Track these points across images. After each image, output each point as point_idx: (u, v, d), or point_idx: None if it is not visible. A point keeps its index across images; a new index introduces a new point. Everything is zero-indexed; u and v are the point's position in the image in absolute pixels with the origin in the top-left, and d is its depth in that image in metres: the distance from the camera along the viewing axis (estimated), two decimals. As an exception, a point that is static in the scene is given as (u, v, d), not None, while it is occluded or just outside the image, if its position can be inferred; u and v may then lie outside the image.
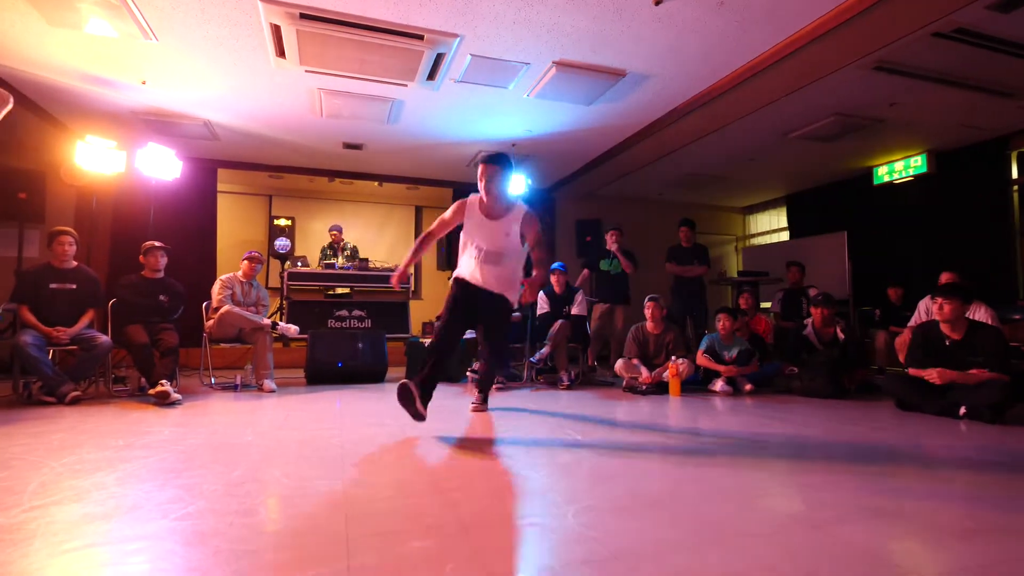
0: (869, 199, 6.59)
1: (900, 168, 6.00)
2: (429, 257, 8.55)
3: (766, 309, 6.06)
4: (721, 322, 4.40)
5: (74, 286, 3.81)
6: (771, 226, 8.69)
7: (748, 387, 4.24)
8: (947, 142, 5.55)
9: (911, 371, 3.48)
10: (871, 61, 3.78)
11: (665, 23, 3.35)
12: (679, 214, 6.26)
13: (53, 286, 3.74)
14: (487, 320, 2.96)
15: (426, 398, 2.61)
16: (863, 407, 3.61)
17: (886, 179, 6.17)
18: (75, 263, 3.90)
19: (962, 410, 3.13)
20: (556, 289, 4.98)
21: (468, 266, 2.85)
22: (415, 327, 5.97)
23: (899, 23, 3.24)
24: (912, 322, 4.07)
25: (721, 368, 4.26)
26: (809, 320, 4.39)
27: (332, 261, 6.33)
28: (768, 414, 3.33)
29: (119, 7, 3.14)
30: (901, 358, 3.79)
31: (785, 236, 8.13)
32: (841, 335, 4.21)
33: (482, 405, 3.29)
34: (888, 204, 6.42)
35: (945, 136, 5.38)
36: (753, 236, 9.01)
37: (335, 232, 6.92)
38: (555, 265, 5.05)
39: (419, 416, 2.57)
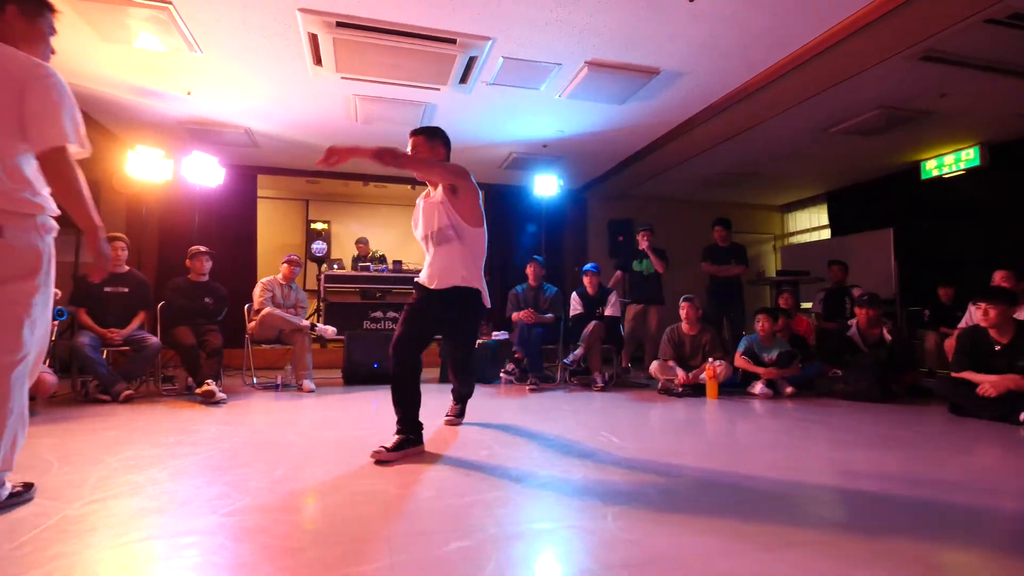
0: (917, 194, 6.32)
1: (951, 162, 5.73)
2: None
3: (807, 309, 5.88)
4: (760, 323, 4.29)
5: (126, 289, 4.00)
6: (811, 224, 8.43)
7: (789, 390, 4.12)
8: (1001, 133, 5.27)
9: (959, 374, 3.34)
10: (919, 51, 3.63)
11: (700, 19, 3.30)
12: (714, 213, 6.13)
13: (107, 290, 3.93)
14: (446, 324, 2.51)
15: (416, 430, 2.32)
16: (912, 411, 3.47)
17: (935, 173, 5.90)
18: (127, 267, 4.09)
19: (1022, 416, 2.98)
20: (589, 290, 4.96)
21: (425, 267, 2.51)
22: (448, 328, 6.01)
23: (949, 10, 3.10)
24: (963, 323, 3.89)
25: (761, 370, 4.16)
26: (853, 321, 4.25)
27: (367, 264, 6.45)
28: (811, 417, 3.23)
29: (167, 22, 3.27)
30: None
31: (826, 234, 7.88)
32: (888, 336, 4.05)
33: (456, 419, 2.92)
34: (938, 199, 6.14)
35: (999, 127, 5.11)
36: (792, 234, 8.76)
37: (362, 244, 7.03)
38: (588, 266, 5.02)
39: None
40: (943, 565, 1.30)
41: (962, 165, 5.63)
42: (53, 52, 1.75)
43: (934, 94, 4.37)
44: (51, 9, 1.72)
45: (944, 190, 6.03)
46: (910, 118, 4.83)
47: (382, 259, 6.96)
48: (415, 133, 2.45)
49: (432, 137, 2.46)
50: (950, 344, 3.74)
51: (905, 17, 3.16)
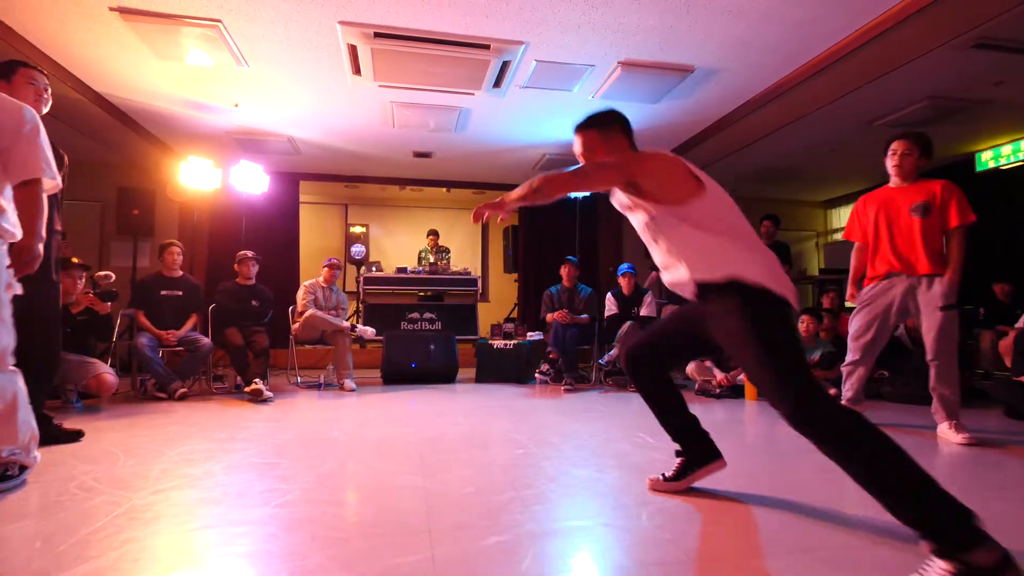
0: (971, 187, 5.97)
1: (1008, 152, 5.45)
2: (496, 260, 8.70)
3: (852, 309, 5.69)
4: (804, 324, 4.19)
5: (181, 293, 4.22)
6: (856, 220, 8.14)
7: (832, 391, 4.00)
8: (1065, 121, 4.98)
9: (1020, 378, 3.18)
10: (971, 38, 3.46)
11: (736, 15, 3.25)
12: (753, 210, 5.94)
13: (163, 293, 4.16)
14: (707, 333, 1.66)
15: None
16: (965, 415, 3.31)
17: (991, 165, 5.62)
18: (180, 272, 4.32)
19: (1087, 420, 2.82)
20: (624, 291, 4.94)
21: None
22: (483, 329, 6.09)
23: (1004, -6, 2.96)
24: (1021, 322, 3.70)
25: (802, 371, 4.06)
26: (901, 320, 4.09)
27: (431, 258, 6.69)
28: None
29: (216, 39, 3.45)
30: (1007, 362, 3.47)
31: (872, 230, 7.58)
32: (939, 336, 3.89)
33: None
34: (994, 192, 5.84)
35: (1062, 115, 4.83)
36: (836, 231, 8.47)
37: (432, 237, 7.14)
38: (623, 267, 5.00)
39: None
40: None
41: (1021, 155, 5.34)
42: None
43: (988, 82, 4.16)
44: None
45: (1001, 182, 5.73)
46: (962, 108, 4.61)
47: (446, 251, 7.05)
48: (581, 128, 1.87)
49: (606, 129, 1.83)
50: (1005, 345, 3.56)
51: (956, 4, 3.04)
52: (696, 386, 4.24)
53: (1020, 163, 5.37)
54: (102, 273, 3.98)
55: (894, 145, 2.90)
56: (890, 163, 2.94)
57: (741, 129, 5.03)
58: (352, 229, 7.33)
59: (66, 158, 2.52)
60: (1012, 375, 3.30)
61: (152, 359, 3.82)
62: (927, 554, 1.14)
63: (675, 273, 1.65)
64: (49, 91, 2.38)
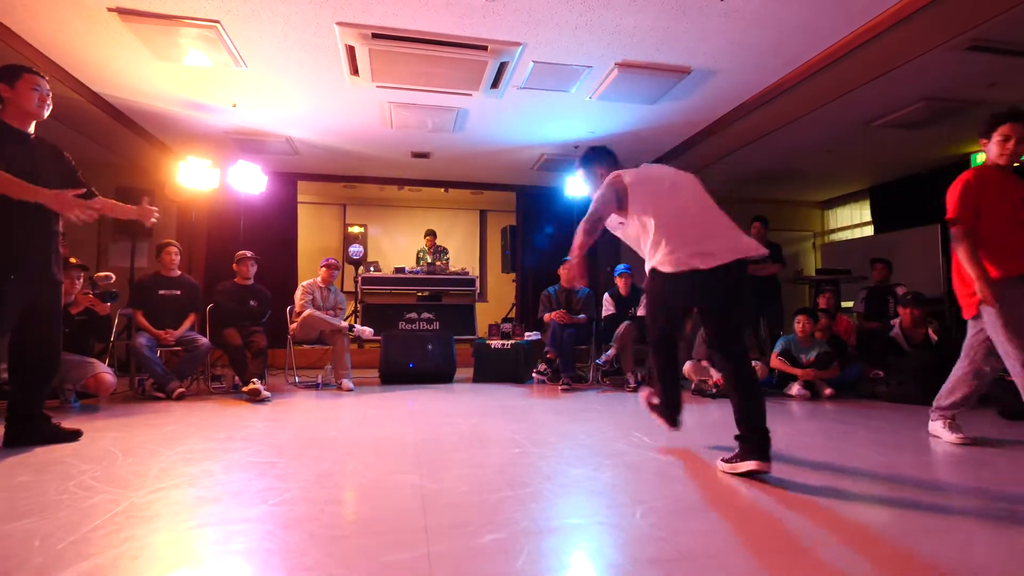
0: (967, 188, 6.04)
1: (1003, 153, 5.47)
2: (494, 260, 8.71)
3: (848, 309, 5.72)
4: (801, 324, 4.21)
5: (179, 292, 4.23)
6: (852, 220, 8.17)
7: (828, 391, 4.03)
8: (1060, 122, 5.01)
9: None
10: (966, 40, 3.50)
11: (732, 17, 3.27)
12: (751, 210, 6.01)
13: (162, 292, 4.17)
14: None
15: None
16: (959, 415, 3.34)
17: (986, 166, 5.65)
18: (179, 272, 4.32)
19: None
20: (622, 291, 4.96)
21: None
22: (481, 329, 6.11)
23: (996, -2, 2.99)
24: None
25: (798, 371, 4.08)
26: (896, 321, 4.12)
27: (429, 259, 6.68)
28: (851, 420, 3.17)
29: (215, 40, 3.46)
30: (1002, 362, 3.49)
31: (869, 231, 7.62)
32: (934, 337, 3.92)
33: None
34: (989, 193, 5.87)
35: (1057, 116, 4.86)
36: (833, 232, 8.51)
37: (430, 237, 7.17)
38: (620, 267, 5.02)
39: None
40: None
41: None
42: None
43: (982, 84, 4.19)
44: None
45: (996, 183, 5.76)
46: (957, 109, 4.64)
47: (444, 251, 7.08)
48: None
49: (587, 166, 2.53)
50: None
51: (949, 7, 3.06)
52: (692, 386, 4.26)
53: (1016, 164, 5.39)
54: (102, 274, 4.00)
55: (1007, 129, 2.50)
56: (1000, 148, 2.54)
57: (738, 130, 5.06)
58: (350, 229, 7.34)
59: (73, 163, 2.53)
60: (1005, 375, 3.31)
61: (150, 359, 3.83)
62: None
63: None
64: (50, 96, 2.41)
